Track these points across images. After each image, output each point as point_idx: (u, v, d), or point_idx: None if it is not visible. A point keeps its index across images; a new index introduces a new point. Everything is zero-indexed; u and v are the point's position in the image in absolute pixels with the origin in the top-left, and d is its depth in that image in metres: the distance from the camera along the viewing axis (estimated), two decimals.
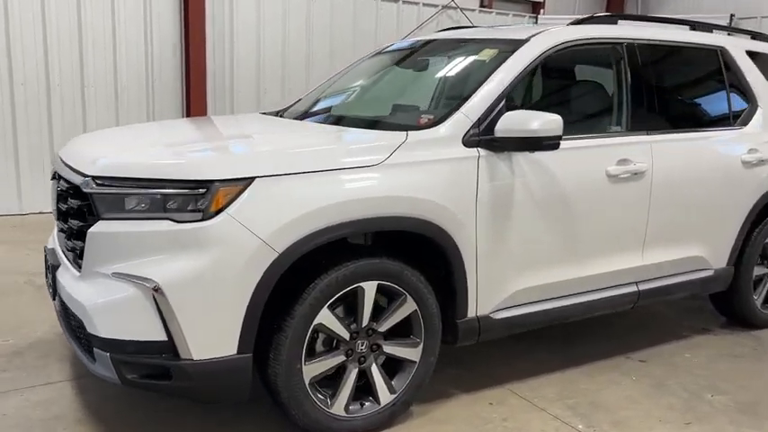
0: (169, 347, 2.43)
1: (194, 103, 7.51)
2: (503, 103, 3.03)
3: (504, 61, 3.16)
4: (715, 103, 4.01)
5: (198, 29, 7.42)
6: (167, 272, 2.38)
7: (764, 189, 3.96)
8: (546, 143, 2.90)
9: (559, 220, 3.19)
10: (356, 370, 2.78)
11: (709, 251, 3.84)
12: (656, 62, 3.67)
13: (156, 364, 2.45)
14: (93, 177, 2.54)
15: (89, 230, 2.50)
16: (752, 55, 4.13)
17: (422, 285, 2.84)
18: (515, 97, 3.31)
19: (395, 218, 2.70)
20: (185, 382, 2.46)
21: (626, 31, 3.59)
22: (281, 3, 8.00)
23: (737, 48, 4.07)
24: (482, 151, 2.95)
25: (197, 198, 2.42)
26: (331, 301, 2.63)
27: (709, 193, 3.73)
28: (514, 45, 3.26)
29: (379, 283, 2.73)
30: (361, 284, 2.69)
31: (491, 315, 3.09)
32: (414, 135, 2.88)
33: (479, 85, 3.07)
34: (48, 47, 6.77)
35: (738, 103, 4.01)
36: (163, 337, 2.42)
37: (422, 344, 2.90)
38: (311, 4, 8.22)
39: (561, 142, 3.12)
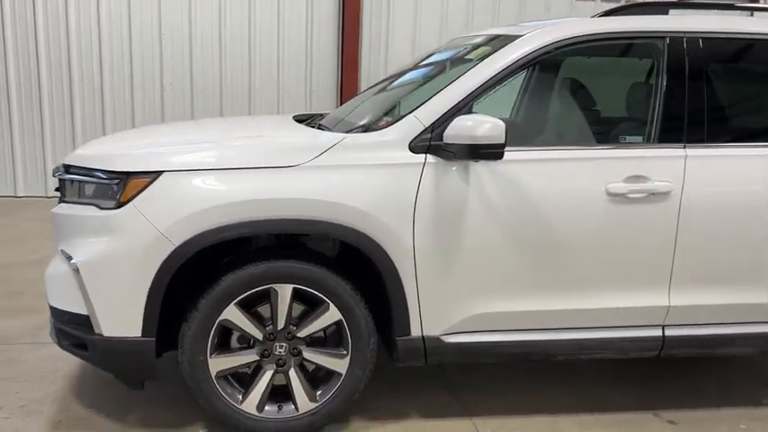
0: (88, 322, 2.67)
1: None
2: (467, 107, 2.74)
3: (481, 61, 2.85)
4: None
5: (353, 35, 7.78)
6: (85, 253, 2.62)
7: None
8: (485, 152, 2.57)
9: (535, 242, 2.78)
10: (272, 372, 2.75)
11: None
12: (710, 60, 2.96)
13: (77, 335, 2.71)
14: (64, 165, 2.90)
15: (51, 210, 2.86)
16: None
17: (347, 295, 2.71)
18: (502, 102, 2.96)
19: (308, 221, 2.61)
20: (97, 356, 2.68)
21: (667, 22, 2.96)
22: (439, 7, 8.00)
23: None
24: (431, 158, 2.70)
25: (114, 188, 2.62)
26: (240, 298, 2.65)
27: None
28: (505, 43, 2.91)
29: (295, 288, 2.68)
30: (273, 286, 2.66)
31: (441, 337, 2.82)
32: (352, 137, 2.76)
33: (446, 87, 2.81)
34: (222, 56, 7.69)
35: None
36: (84, 311, 2.67)
37: (348, 356, 2.77)
38: (471, 5, 8.08)
39: (545, 153, 2.79)
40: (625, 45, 3.06)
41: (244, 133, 3.29)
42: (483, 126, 2.54)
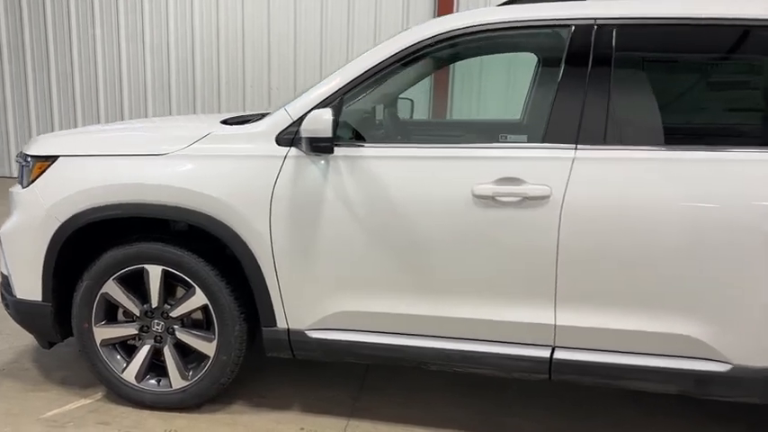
0: (9, 284, 3.09)
1: (438, 99, 7.85)
2: (336, 101, 2.70)
3: None
4: (748, 111, 2.56)
5: None
6: (6, 225, 3.04)
7: None
8: (317, 145, 2.54)
9: (395, 243, 2.65)
10: (149, 346, 2.96)
11: (720, 336, 2.51)
12: (625, 50, 2.56)
13: (5, 295, 3.14)
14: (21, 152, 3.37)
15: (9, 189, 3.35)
16: None
17: (212, 281, 2.82)
18: (382, 96, 2.86)
19: (168, 207, 2.76)
20: (14, 314, 3.09)
21: (576, 9, 2.63)
22: None
23: None
24: (294, 152, 2.71)
25: (27, 170, 3.01)
26: (117, 274, 2.89)
27: (709, 246, 2.45)
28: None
29: (165, 269, 2.85)
30: (145, 266, 2.86)
31: (306, 332, 2.81)
32: (224, 129, 2.86)
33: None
34: (323, 60, 8.12)
35: None
36: (8, 274, 3.10)
37: (215, 341, 2.88)
38: None
39: (408, 150, 2.69)
40: (524, 36, 2.78)
41: (156, 125, 3.48)
42: (315, 120, 2.52)
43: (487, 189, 2.55)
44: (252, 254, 2.74)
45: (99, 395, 3.11)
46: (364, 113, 3.08)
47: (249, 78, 8.30)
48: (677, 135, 2.59)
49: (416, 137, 3.07)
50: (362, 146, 2.69)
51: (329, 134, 2.50)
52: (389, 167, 2.64)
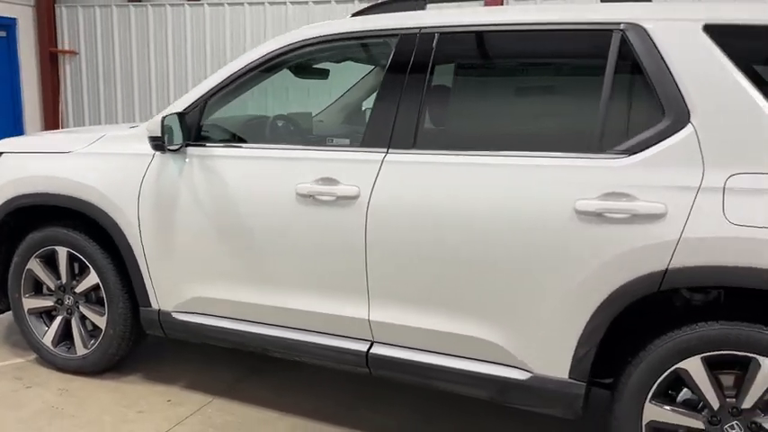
0: None
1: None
2: (200, 106, 3.02)
3: None
4: (558, 116, 2.48)
5: None
6: None
7: (648, 266, 2.25)
8: (153, 143, 2.88)
9: (234, 236, 2.90)
10: (62, 316, 3.44)
11: (518, 343, 2.50)
12: (445, 59, 2.64)
13: None
14: None
15: None
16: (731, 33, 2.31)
17: (103, 263, 3.24)
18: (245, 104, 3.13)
19: (65, 196, 3.21)
20: None
21: (405, 19, 2.72)
22: None
23: (676, 23, 2.35)
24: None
25: None
26: (37, 252, 3.40)
27: (503, 252, 2.44)
28: None
29: (68, 251, 3.32)
30: (55, 247, 3.35)
31: (172, 313, 3.15)
32: (117, 131, 3.28)
33: None
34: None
35: (636, 116, 2.38)
36: None
37: (106, 315, 3.29)
38: None
39: (244, 150, 2.95)
40: (363, 46, 2.92)
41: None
42: (152, 122, 2.86)
43: (308, 188, 2.73)
44: (127, 240, 3.13)
45: (32, 357, 3.64)
46: (246, 118, 3.38)
47: None
48: (486, 140, 2.61)
49: (277, 138, 3.31)
50: (210, 146, 2.98)
51: (158, 134, 2.83)
52: (229, 166, 2.91)
